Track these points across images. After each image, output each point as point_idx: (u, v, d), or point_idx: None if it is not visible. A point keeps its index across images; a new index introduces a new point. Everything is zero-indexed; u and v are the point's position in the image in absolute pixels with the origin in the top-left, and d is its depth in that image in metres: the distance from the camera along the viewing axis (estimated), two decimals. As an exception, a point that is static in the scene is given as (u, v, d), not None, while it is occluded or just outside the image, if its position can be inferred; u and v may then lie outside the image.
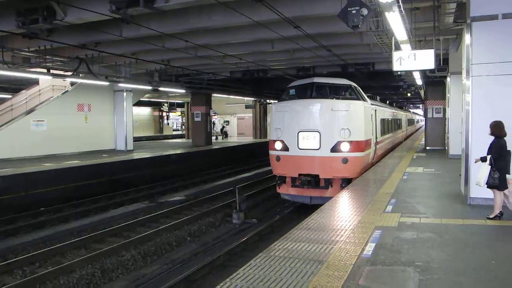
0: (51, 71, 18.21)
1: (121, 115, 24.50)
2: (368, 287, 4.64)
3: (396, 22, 8.81)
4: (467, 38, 8.67)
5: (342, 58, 18.20)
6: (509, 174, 7.42)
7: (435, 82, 21.84)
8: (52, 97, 21.58)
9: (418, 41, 13.22)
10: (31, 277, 8.82)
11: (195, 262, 10.11)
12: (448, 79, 17.86)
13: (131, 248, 10.85)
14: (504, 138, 7.41)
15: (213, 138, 34.45)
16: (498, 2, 8.30)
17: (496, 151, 7.34)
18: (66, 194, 15.78)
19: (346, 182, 12.61)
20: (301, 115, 13.17)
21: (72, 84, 21.85)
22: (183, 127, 56.47)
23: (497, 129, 7.44)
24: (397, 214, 7.88)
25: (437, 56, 11.82)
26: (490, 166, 7.31)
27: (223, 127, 43.24)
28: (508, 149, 7.40)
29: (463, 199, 8.99)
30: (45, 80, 21.34)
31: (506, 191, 7.44)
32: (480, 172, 7.48)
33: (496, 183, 7.30)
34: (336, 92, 13.78)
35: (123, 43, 15.24)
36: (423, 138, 27.00)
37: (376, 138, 15.75)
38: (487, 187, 7.46)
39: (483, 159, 7.44)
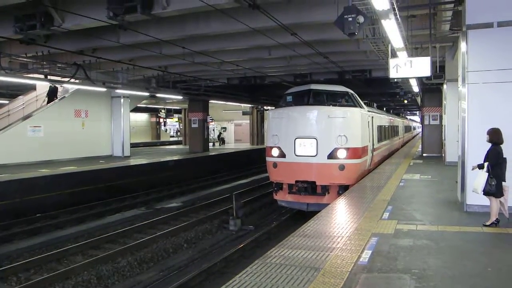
0: (49, 77, 18.22)
1: (118, 121, 24.50)
2: (364, 295, 4.64)
3: (392, 29, 8.87)
4: (463, 45, 8.73)
5: (338, 65, 18.28)
6: (505, 181, 7.44)
7: (432, 89, 21.94)
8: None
9: (415, 49, 13.30)
10: (26, 284, 8.77)
11: (192, 268, 10.08)
12: (445, 86, 17.93)
13: (128, 255, 10.80)
14: (501, 145, 7.45)
15: (210, 144, 34.43)
16: (493, 11, 8.36)
17: (494, 158, 7.36)
18: (62, 200, 15.71)
19: (343, 189, 12.61)
20: (298, 121, 13.17)
21: (50, 91, 21.38)
22: (178, 133, 56.51)
23: (495, 136, 7.47)
24: (393, 221, 7.88)
25: (433, 63, 11.89)
26: (487, 173, 7.33)
27: (220, 133, 43.26)
28: (504, 156, 7.43)
29: (460, 206, 9.00)
30: (42, 86, 21.30)
31: (501, 199, 7.45)
32: (477, 179, 7.50)
33: (493, 190, 7.31)
34: (333, 99, 13.81)
35: (121, 49, 15.28)
36: (420, 145, 27.08)
37: (373, 145, 15.77)
38: (484, 194, 7.48)
39: (480, 166, 7.46)
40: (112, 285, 9.39)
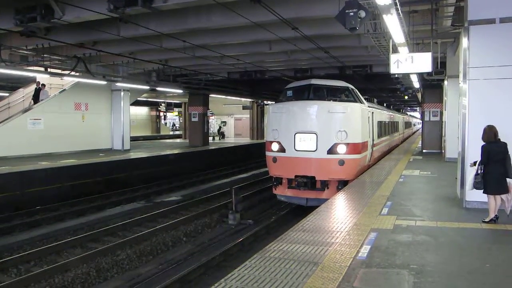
0: (49, 69, 18.19)
1: (118, 115, 24.45)
2: (362, 289, 4.65)
3: (393, 24, 8.83)
4: (464, 41, 8.70)
5: (339, 60, 18.24)
6: (511, 177, 7.41)
7: (433, 85, 21.89)
8: (49, 95, 21.52)
9: (416, 44, 13.26)
10: (26, 276, 8.81)
11: (191, 262, 10.11)
12: (445, 82, 17.89)
13: (127, 248, 10.83)
14: (500, 142, 7.44)
15: (210, 138, 34.42)
16: (495, 6, 8.33)
17: (484, 155, 7.41)
18: (62, 193, 15.72)
19: (342, 184, 12.62)
20: (298, 116, 13.17)
21: (36, 91, 21.22)
22: (175, 127, 56.50)
23: (483, 134, 7.51)
24: (392, 217, 7.89)
25: (434, 59, 11.85)
26: (476, 171, 7.42)
27: (220, 127, 43.21)
28: (508, 153, 7.42)
29: (459, 203, 9.02)
30: (42, 78, 21.25)
31: (503, 196, 7.44)
32: (470, 175, 7.62)
33: (479, 186, 7.39)
34: (333, 94, 13.79)
35: (121, 42, 15.23)
36: (420, 141, 27.07)
37: (373, 140, 15.77)
38: (483, 191, 7.49)
39: (475, 164, 7.51)
40: (111, 277, 9.42)
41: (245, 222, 13.65)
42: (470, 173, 7.70)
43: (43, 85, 20.95)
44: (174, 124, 58.15)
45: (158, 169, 21.09)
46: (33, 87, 21.95)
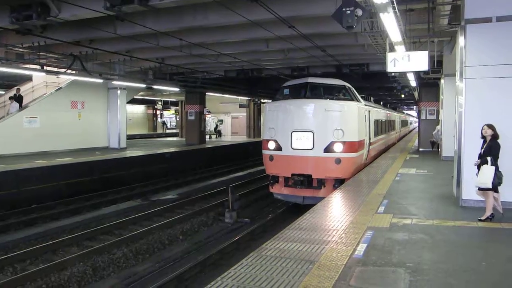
0: (45, 67, 18.11)
1: (115, 113, 24.39)
2: (359, 288, 4.65)
3: (390, 23, 8.83)
4: (461, 40, 8.71)
5: (336, 58, 18.24)
6: None
7: (429, 83, 21.93)
8: (45, 93, 21.46)
9: (413, 43, 13.25)
10: (22, 274, 8.77)
11: (187, 260, 10.10)
12: (442, 81, 17.93)
13: (123, 246, 10.81)
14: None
15: (207, 137, 34.37)
16: (492, 5, 8.35)
17: (498, 151, 7.37)
18: (58, 191, 15.68)
19: (339, 183, 12.64)
20: (295, 115, 13.17)
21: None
22: (165, 126, 56.26)
23: (495, 131, 7.46)
24: (389, 215, 7.90)
25: (431, 58, 11.87)
26: (494, 167, 7.27)
27: (217, 126, 43.16)
28: None
29: (455, 201, 9.03)
30: (38, 76, 21.20)
31: (495, 194, 7.48)
32: (485, 173, 7.33)
33: (501, 182, 7.33)
34: (330, 93, 13.80)
35: (118, 40, 15.18)
36: (417, 140, 27.13)
37: (370, 139, 15.79)
38: (492, 187, 7.39)
39: (484, 161, 7.39)
40: (108, 276, 9.40)
41: (241, 221, 13.64)
42: (483, 171, 7.36)
43: (17, 97, 20.53)
44: (164, 123, 57.36)
45: (154, 167, 21.06)
46: (29, 85, 21.88)
